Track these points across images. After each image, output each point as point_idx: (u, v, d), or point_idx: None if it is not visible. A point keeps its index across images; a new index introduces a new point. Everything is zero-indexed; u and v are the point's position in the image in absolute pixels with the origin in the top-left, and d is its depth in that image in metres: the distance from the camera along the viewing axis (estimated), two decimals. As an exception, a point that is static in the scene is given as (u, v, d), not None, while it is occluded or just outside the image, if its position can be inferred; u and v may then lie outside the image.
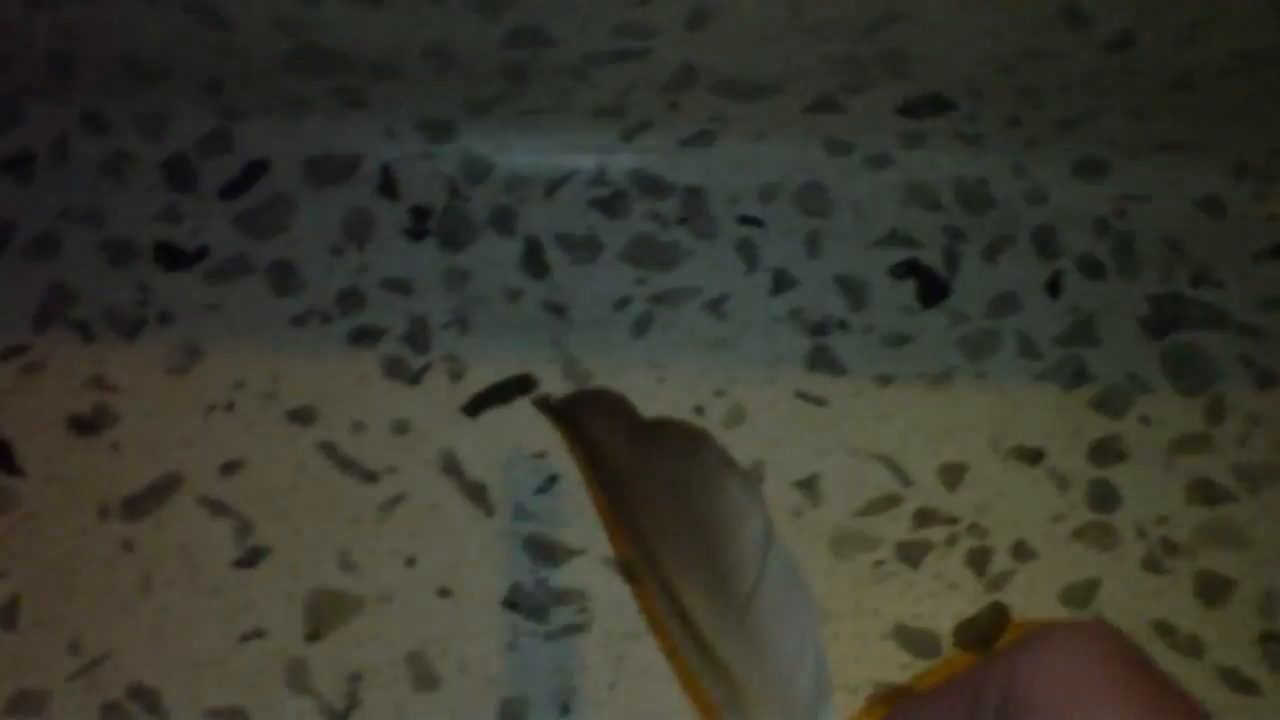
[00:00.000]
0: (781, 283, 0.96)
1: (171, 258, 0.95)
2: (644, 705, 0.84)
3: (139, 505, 0.88)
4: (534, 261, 0.95)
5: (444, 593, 0.87)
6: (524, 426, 0.91)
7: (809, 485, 0.90)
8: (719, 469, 0.65)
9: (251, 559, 0.87)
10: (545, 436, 0.91)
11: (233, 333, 0.93)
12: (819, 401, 0.93)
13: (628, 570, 0.73)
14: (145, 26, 0.89)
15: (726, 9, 0.87)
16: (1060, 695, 0.38)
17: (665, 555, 0.65)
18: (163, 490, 0.89)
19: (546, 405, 0.85)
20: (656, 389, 0.93)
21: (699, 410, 0.92)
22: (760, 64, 0.93)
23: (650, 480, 0.68)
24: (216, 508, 0.88)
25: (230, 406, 0.91)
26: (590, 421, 0.73)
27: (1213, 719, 0.38)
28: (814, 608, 0.61)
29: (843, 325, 0.95)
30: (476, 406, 0.92)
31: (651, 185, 0.98)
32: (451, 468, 0.90)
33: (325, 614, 0.86)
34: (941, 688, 0.47)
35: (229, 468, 0.89)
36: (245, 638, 0.85)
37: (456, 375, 0.92)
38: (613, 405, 0.74)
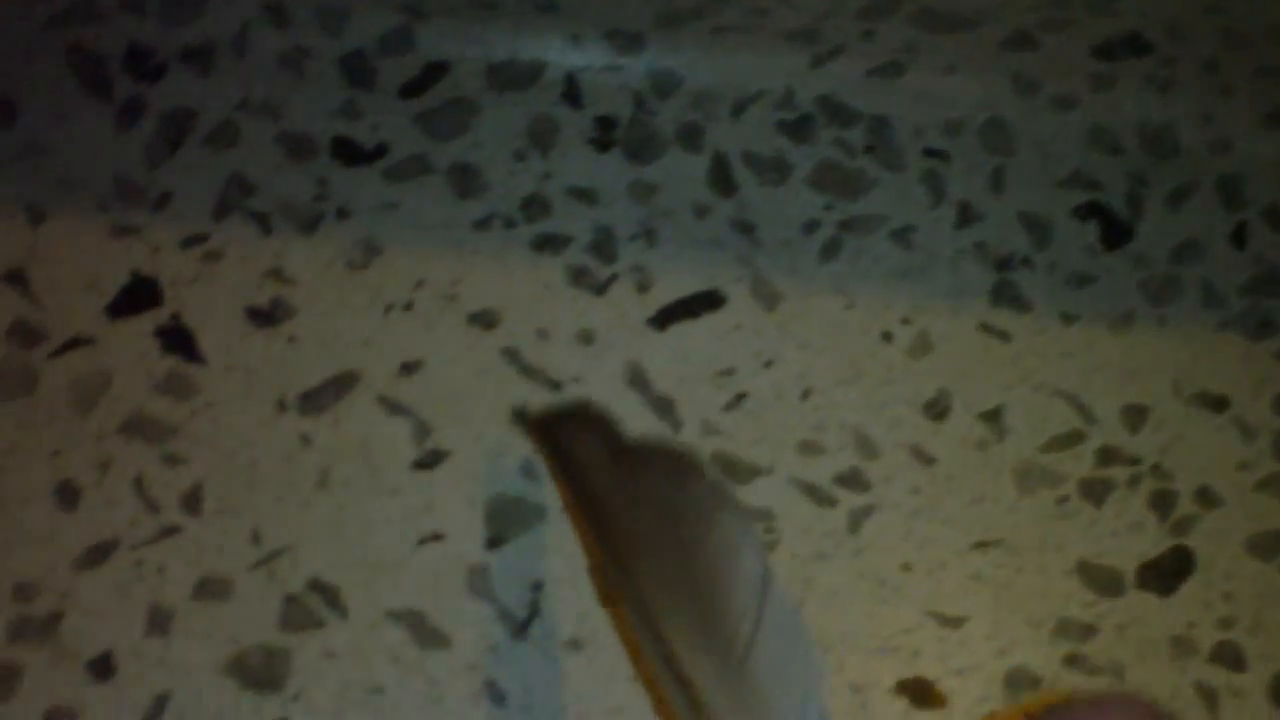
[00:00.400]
0: (966, 217, 0.92)
1: (350, 154, 0.90)
2: (831, 627, 0.80)
3: (316, 400, 0.83)
4: (722, 179, 0.91)
5: None
6: (712, 342, 0.87)
7: (993, 418, 0.86)
8: (711, 502, 0.61)
9: (431, 461, 0.82)
10: (734, 353, 0.86)
11: (412, 232, 0.88)
12: (1003, 336, 0.88)
13: (606, 597, 0.69)
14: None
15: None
16: None
17: (650, 589, 0.61)
18: (340, 386, 0.84)
19: (526, 419, 0.80)
20: (844, 315, 0.88)
21: (887, 336, 0.87)
22: (965, -10, 0.88)
23: (636, 509, 0.63)
24: (394, 407, 0.83)
25: (409, 306, 0.86)
26: (572, 440, 0.68)
27: None
28: (817, 664, 0.57)
29: (1027, 262, 0.91)
30: (664, 320, 0.87)
31: (838, 112, 0.94)
32: (638, 380, 0.85)
33: (507, 520, 0.81)
34: None
35: (408, 368, 0.84)
36: (424, 540, 0.80)
37: (643, 287, 0.87)
38: (597, 424, 0.68)
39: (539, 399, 0.84)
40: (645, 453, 0.66)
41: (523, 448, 0.83)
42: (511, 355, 0.85)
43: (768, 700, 0.56)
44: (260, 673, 0.76)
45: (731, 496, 0.62)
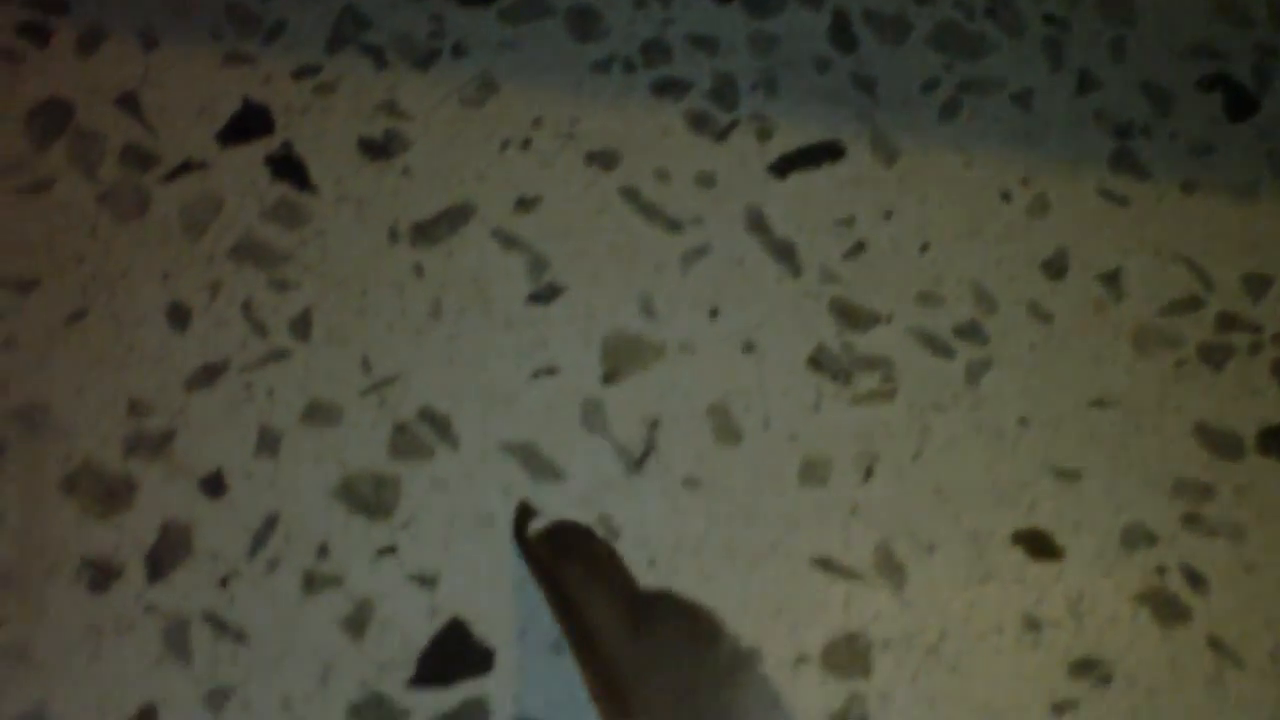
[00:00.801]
0: (1086, 84, 0.87)
1: None
2: (947, 476, 0.75)
3: (430, 231, 0.79)
4: (842, 34, 0.86)
5: (748, 347, 0.77)
6: (832, 191, 0.82)
7: (1112, 280, 0.81)
8: (733, 670, 0.56)
9: (547, 295, 0.78)
10: (853, 204, 0.82)
11: (530, 72, 0.83)
12: (1122, 201, 0.83)
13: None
14: None
15: None
16: None
17: None
18: (454, 219, 0.79)
19: (524, 540, 0.71)
20: (963, 173, 0.83)
21: (1005, 196, 0.83)
22: None
23: (651, 672, 0.59)
24: (510, 241, 0.79)
25: (526, 144, 0.81)
26: (580, 583, 0.63)
27: None
28: None
29: (1146, 130, 0.86)
30: (784, 167, 0.83)
31: None
32: (758, 224, 0.80)
33: (623, 357, 0.76)
34: None
35: (524, 203, 0.80)
36: (538, 374, 0.76)
37: (764, 135, 0.83)
38: (607, 565, 0.64)
39: (659, 241, 0.79)
40: (661, 608, 0.60)
41: (639, 287, 0.78)
42: (630, 195, 0.80)
43: None
44: (369, 498, 0.72)
45: (756, 663, 0.56)
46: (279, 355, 0.74)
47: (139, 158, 0.79)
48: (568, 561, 0.64)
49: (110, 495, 0.71)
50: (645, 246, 0.79)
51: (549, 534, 0.68)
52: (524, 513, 0.68)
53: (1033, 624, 0.71)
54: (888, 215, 0.81)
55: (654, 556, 0.71)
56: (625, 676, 0.56)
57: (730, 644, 0.56)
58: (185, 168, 0.79)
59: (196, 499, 0.71)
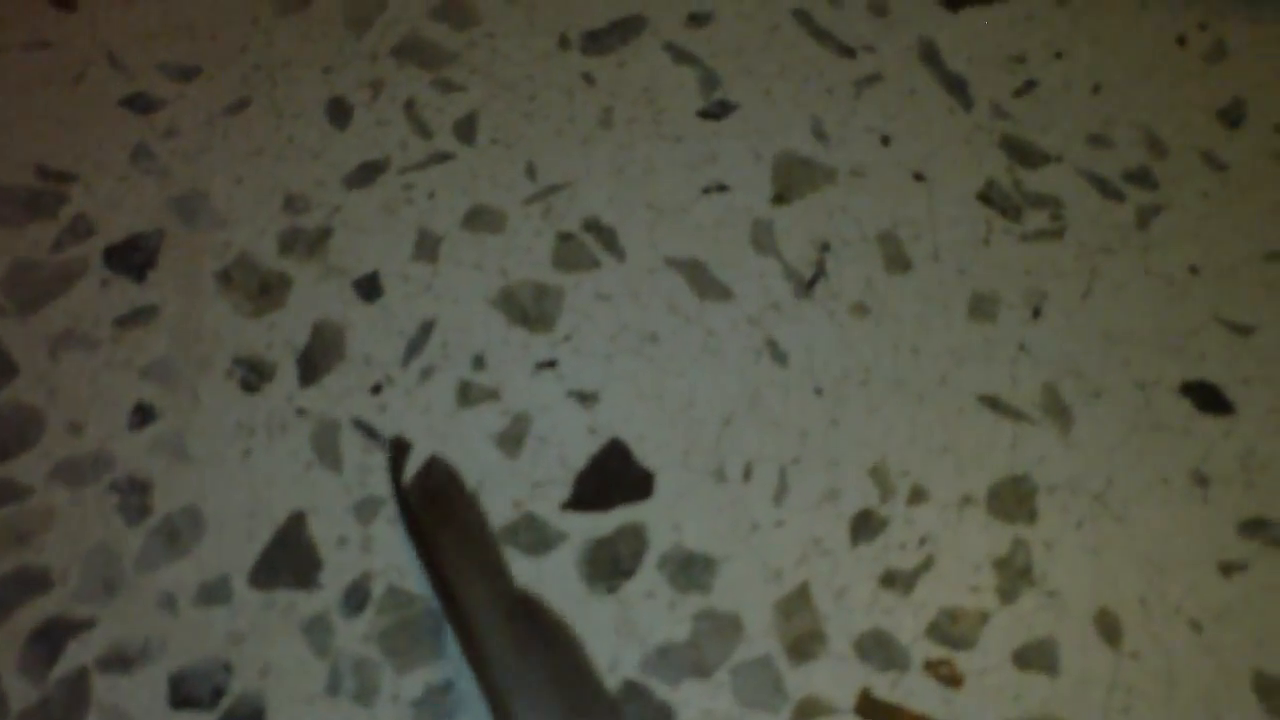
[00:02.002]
0: None
1: None
2: (1115, 320, 0.59)
3: (601, 40, 0.60)
4: None
5: (919, 177, 0.59)
6: (1003, 28, 0.63)
7: None
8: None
9: (718, 111, 0.59)
10: (1025, 41, 0.65)
11: None
12: None
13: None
14: None
15: None
16: None
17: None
18: (626, 29, 0.61)
19: (399, 489, 0.55)
20: (1138, 14, 0.65)
21: (1181, 40, 0.64)
22: None
23: (525, 685, 0.48)
24: (682, 55, 0.60)
25: None
26: (456, 558, 0.52)
27: None
28: None
29: None
30: (957, 1, 0.62)
31: None
32: (930, 56, 0.61)
33: (794, 179, 0.58)
34: None
35: (697, 18, 0.61)
36: (708, 190, 0.57)
37: None
38: (479, 541, 0.52)
39: (832, 65, 0.60)
40: (532, 621, 0.51)
41: (811, 110, 0.59)
42: (804, 17, 0.61)
43: None
44: (530, 309, 0.54)
45: (621, 714, 0.47)
46: (441, 157, 0.57)
47: None
48: (444, 529, 0.53)
49: (265, 291, 0.54)
50: (817, 69, 0.60)
51: (423, 483, 0.54)
52: (399, 451, 0.50)
53: (1201, 479, 0.54)
54: (1059, 54, 0.62)
55: (820, 384, 0.54)
56: (500, 674, 0.47)
57: (596, 687, 0.48)
58: None
59: (351, 300, 0.54)
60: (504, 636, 0.46)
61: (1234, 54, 0.67)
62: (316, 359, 0.56)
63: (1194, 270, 0.62)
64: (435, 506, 0.52)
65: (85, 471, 0.53)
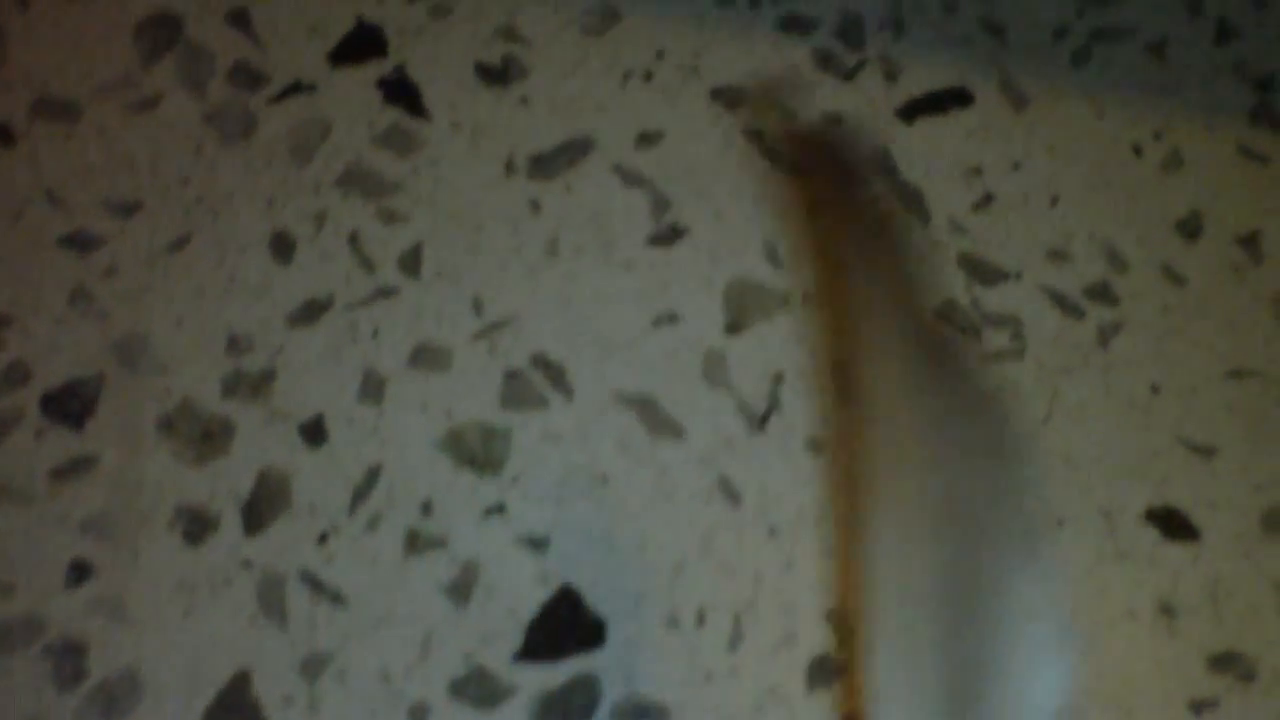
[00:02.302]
0: (1224, 33, 0.66)
1: None
2: (1077, 444, 0.59)
3: (548, 164, 0.59)
4: None
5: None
6: (960, 138, 0.62)
7: (1250, 242, 0.61)
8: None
9: (669, 237, 0.58)
10: (982, 152, 0.64)
11: (653, 2, 0.62)
12: (1262, 159, 0.63)
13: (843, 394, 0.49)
14: None
15: None
16: None
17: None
18: (574, 151, 0.59)
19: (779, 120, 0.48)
20: (1094, 124, 0.63)
21: (1137, 150, 0.62)
22: None
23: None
24: (631, 177, 0.59)
25: (649, 76, 0.61)
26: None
27: None
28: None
29: None
30: (911, 111, 0.62)
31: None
32: (885, 168, 0.59)
33: (747, 306, 0.57)
34: None
35: (646, 138, 0.59)
36: (658, 321, 0.56)
37: (891, 77, 0.62)
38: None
39: (780, 184, 0.59)
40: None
41: (764, 232, 0.57)
42: (755, 136, 0.59)
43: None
44: (478, 451, 0.52)
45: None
46: (386, 292, 0.55)
47: (248, 76, 0.59)
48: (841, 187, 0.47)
49: (207, 438, 0.52)
50: (770, 191, 0.58)
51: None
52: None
53: (1169, 610, 0.52)
54: (1016, 166, 0.61)
55: (774, 524, 0.52)
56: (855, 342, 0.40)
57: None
58: (294, 89, 0.59)
59: (296, 446, 0.52)
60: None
61: (1190, 163, 0.65)
62: (261, 508, 0.54)
63: (1155, 389, 0.61)
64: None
65: (15, 636, 0.51)
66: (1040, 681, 0.32)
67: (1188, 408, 0.61)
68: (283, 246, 0.59)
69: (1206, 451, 0.60)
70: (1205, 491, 0.59)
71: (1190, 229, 0.64)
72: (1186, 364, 0.62)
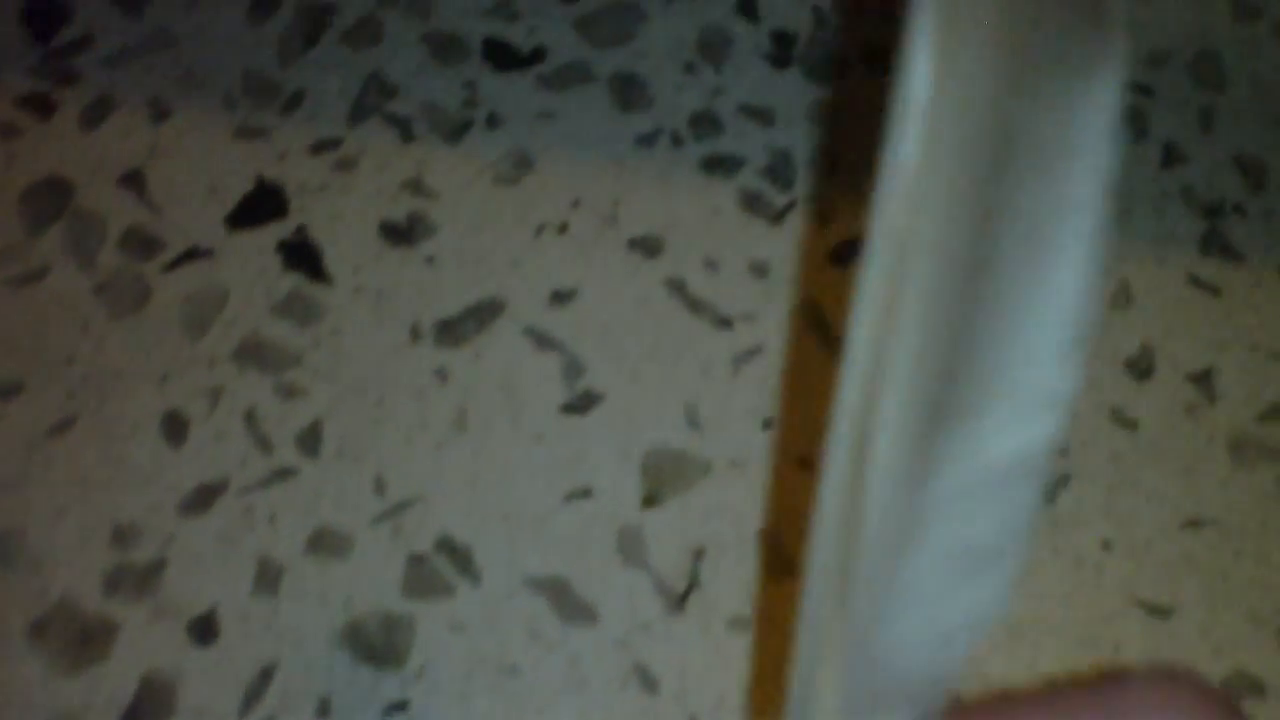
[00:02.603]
0: (1171, 157, 0.62)
1: (503, 57, 0.61)
2: (1023, 609, 0.56)
3: (456, 329, 0.55)
4: None
5: (805, 464, 0.53)
6: None
7: (1204, 380, 0.57)
8: None
9: (582, 404, 0.54)
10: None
11: (569, 145, 0.59)
12: (1213, 290, 0.58)
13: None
14: None
15: None
16: None
17: None
18: (483, 315, 0.55)
19: None
20: None
21: None
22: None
23: None
24: (544, 341, 0.55)
25: (563, 228, 0.57)
26: None
27: None
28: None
29: (1239, 209, 0.61)
30: (847, 255, 0.58)
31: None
32: (817, 321, 0.56)
33: (665, 476, 0.53)
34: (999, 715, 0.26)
35: (560, 297, 0.56)
36: (571, 496, 0.52)
37: (825, 219, 0.58)
38: None
39: (708, 340, 0.55)
40: None
41: (685, 394, 0.54)
42: (676, 287, 0.56)
43: None
44: (379, 644, 0.49)
45: None
46: (284, 474, 0.51)
47: (141, 243, 0.56)
48: None
49: (86, 642, 0.48)
50: (692, 347, 0.55)
51: None
52: None
53: None
54: None
55: (694, 711, 0.48)
56: None
57: None
58: (190, 255, 0.56)
59: (184, 646, 0.48)
60: None
61: (1139, 297, 0.61)
62: (143, 716, 0.50)
63: (1106, 546, 0.56)
64: None
65: None
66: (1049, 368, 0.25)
67: (1142, 564, 0.57)
68: (175, 427, 0.56)
69: (1162, 611, 0.55)
70: (1162, 655, 0.55)
71: (1141, 368, 0.60)
72: (1139, 516, 0.57)
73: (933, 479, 0.26)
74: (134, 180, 0.61)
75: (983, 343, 0.25)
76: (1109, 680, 0.28)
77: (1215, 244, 0.64)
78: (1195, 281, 0.63)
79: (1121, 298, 0.62)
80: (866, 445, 0.24)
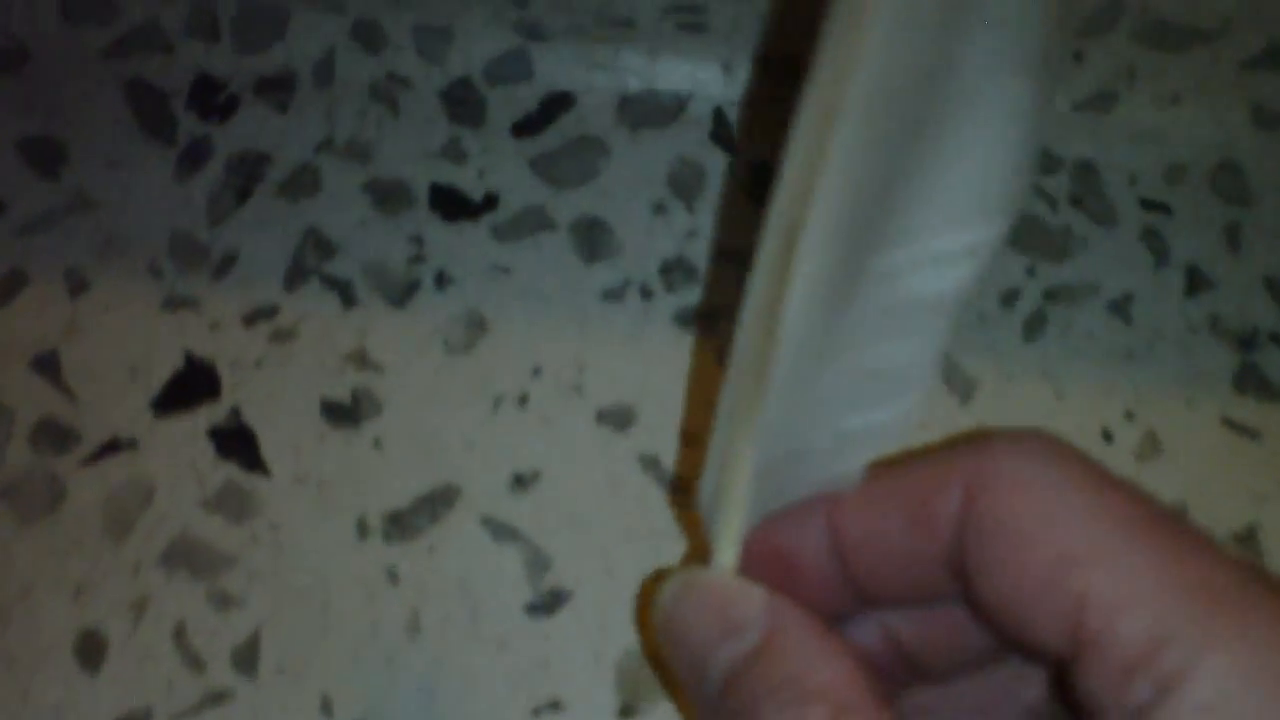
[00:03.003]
0: (1196, 283, 0.55)
1: (452, 205, 0.55)
2: None
3: (407, 522, 0.49)
4: None
5: None
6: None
7: (1247, 539, 0.51)
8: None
9: (549, 604, 0.48)
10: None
11: (527, 304, 0.53)
12: (1251, 433, 0.52)
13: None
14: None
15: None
16: (1030, 511, 0.27)
17: None
18: (437, 504, 0.50)
19: None
20: (1055, 405, 0.52)
21: (1107, 435, 0.51)
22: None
23: None
24: (504, 532, 0.49)
25: (523, 400, 0.51)
26: None
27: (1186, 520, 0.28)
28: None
29: (1275, 338, 0.54)
30: None
31: (1038, 156, 0.56)
32: None
33: (644, 684, 0.46)
34: (881, 481, 0.31)
35: (521, 480, 0.50)
36: (539, 710, 0.46)
37: None
38: None
39: (680, 525, 0.48)
40: None
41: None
42: (651, 464, 0.51)
43: None
44: None
45: None
46: (217, 698, 0.45)
47: (55, 436, 0.49)
48: None
49: None
50: (670, 532, 0.48)
51: None
52: None
53: None
54: None
55: None
56: None
57: None
58: (111, 447, 0.49)
59: None
60: None
61: (1169, 446, 0.54)
62: None
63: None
64: None
65: None
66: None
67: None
68: (92, 649, 0.49)
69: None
70: None
71: (1174, 528, 0.53)
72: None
73: (852, 304, 0.29)
74: (47, 364, 0.55)
75: (910, 189, 0.28)
76: (978, 437, 0.31)
77: (1250, 380, 0.57)
78: (1230, 425, 0.56)
79: (1148, 448, 0.55)
80: (792, 263, 0.27)
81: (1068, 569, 0.26)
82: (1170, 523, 0.27)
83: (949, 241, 0.29)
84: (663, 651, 0.36)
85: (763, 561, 0.33)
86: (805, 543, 0.33)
